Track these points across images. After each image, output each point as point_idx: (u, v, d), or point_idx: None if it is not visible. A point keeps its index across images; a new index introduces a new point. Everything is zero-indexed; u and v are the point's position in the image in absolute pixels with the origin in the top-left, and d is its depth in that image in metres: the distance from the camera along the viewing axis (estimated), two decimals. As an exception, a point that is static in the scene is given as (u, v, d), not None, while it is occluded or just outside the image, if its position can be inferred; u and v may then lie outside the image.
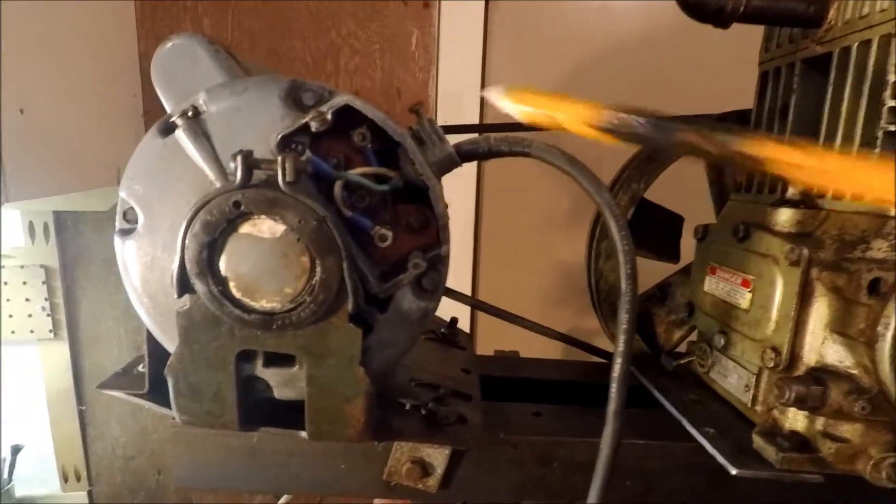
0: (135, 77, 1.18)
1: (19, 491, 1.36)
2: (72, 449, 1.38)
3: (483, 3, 1.17)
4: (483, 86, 1.20)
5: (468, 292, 1.27)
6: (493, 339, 0.94)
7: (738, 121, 0.70)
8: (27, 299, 1.27)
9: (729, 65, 0.94)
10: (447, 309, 0.74)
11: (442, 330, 0.67)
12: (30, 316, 1.28)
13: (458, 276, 1.28)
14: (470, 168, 1.22)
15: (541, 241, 1.30)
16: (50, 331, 1.29)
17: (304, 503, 1.42)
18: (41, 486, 1.40)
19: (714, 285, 0.60)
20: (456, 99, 1.19)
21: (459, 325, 0.72)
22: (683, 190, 0.78)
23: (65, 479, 1.39)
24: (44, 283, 1.27)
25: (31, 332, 1.29)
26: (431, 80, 1.19)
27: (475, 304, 0.80)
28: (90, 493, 1.42)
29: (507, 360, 0.76)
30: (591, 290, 0.77)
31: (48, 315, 1.28)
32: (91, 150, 1.02)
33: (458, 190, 1.21)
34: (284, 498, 0.73)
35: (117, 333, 1.33)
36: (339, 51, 1.18)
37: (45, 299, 1.27)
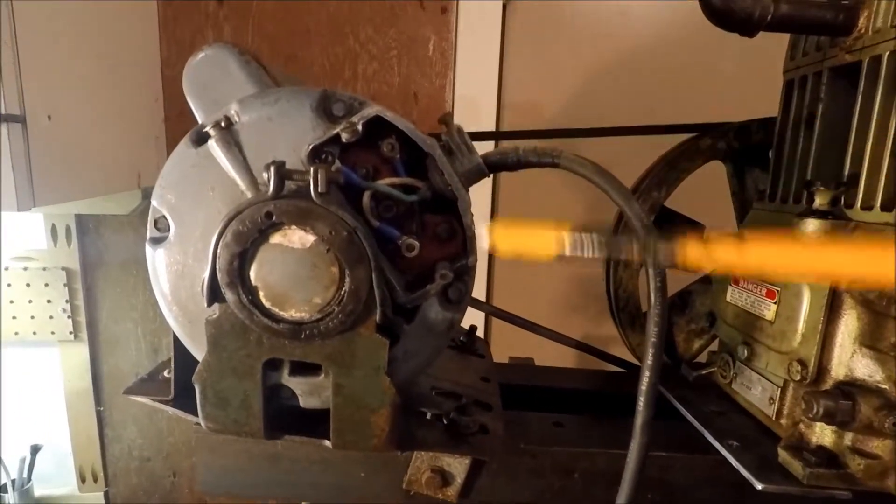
0: (156, 83, 1.20)
1: (38, 490, 1.38)
2: (89, 450, 1.39)
3: (500, 7, 1.17)
4: (500, 91, 1.20)
5: (483, 299, 1.27)
6: (507, 345, 0.94)
7: (760, 129, 0.69)
8: (49, 301, 1.29)
9: (750, 70, 0.93)
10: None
11: (461, 338, 0.67)
12: (51, 317, 1.30)
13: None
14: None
15: (556, 247, 1.29)
16: (70, 332, 1.31)
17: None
18: (59, 486, 1.42)
19: (737, 296, 0.59)
20: (473, 104, 1.19)
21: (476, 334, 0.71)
22: (704, 198, 0.77)
23: (82, 479, 1.41)
24: (65, 285, 1.28)
25: (52, 333, 1.31)
26: (448, 85, 1.19)
27: (490, 310, 0.79)
28: (106, 494, 1.43)
29: (525, 369, 0.76)
30: (610, 298, 0.76)
31: (69, 317, 1.30)
32: (113, 155, 1.04)
33: (473, 195, 1.21)
34: (303, 504, 0.73)
35: (136, 336, 1.35)
36: (357, 56, 1.19)
37: (66, 301, 1.29)
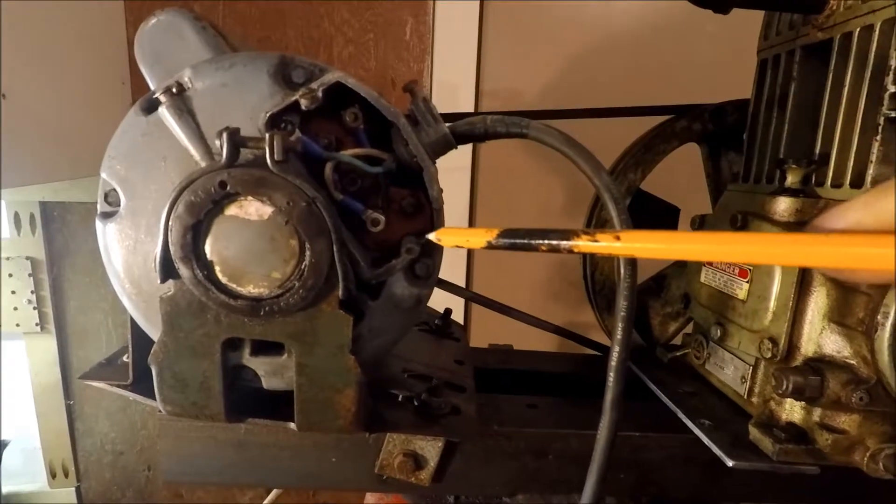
0: (123, 65, 1.15)
1: (6, 487, 1.34)
2: (59, 444, 1.35)
3: (479, -8, 1.15)
4: (479, 75, 1.18)
5: (462, 284, 1.26)
6: (487, 332, 0.93)
7: (735, 111, 0.69)
8: (13, 292, 1.24)
9: (727, 53, 0.94)
10: (441, 301, 0.73)
11: (436, 321, 0.66)
12: (16, 309, 1.25)
13: (453, 268, 1.27)
14: (465, 160, 1.21)
15: (535, 234, 1.28)
16: (36, 324, 1.27)
17: (296, 499, 1.41)
18: (29, 482, 1.38)
19: (711, 276, 0.59)
20: (451, 89, 1.18)
21: (453, 318, 0.70)
22: (680, 181, 0.77)
23: (52, 474, 1.37)
24: (30, 275, 1.24)
25: (17, 325, 1.26)
26: (426, 69, 1.17)
27: (469, 296, 0.79)
28: (78, 490, 1.40)
29: (502, 352, 0.76)
30: (586, 281, 0.76)
31: (34, 308, 1.26)
32: (78, 138, 1.00)
33: (452, 181, 1.20)
34: (273, 494, 0.71)
35: (106, 327, 1.31)
36: (333, 40, 1.16)
37: (32, 292, 1.25)
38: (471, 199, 1.26)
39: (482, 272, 1.31)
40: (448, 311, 0.67)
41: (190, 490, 1.41)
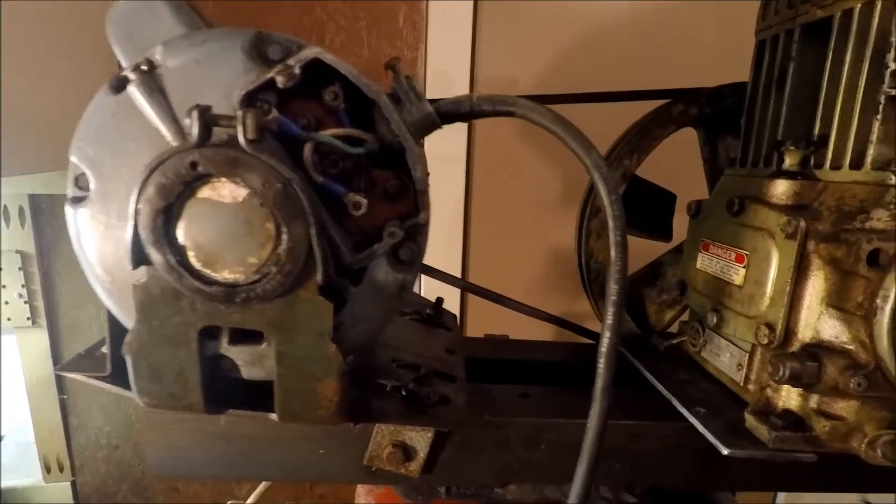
0: (113, 56, 1.13)
1: (1, 481, 1.33)
2: (54, 439, 1.35)
3: (472, -22, 1.13)
4: (473, 63, 1.16)
5: (458, 274, 1.25)
6: (483, 322, 0.92)
7: (732, 94, 0.67)
8: (3, 286, 1.23)
9: (727, 39, 0.92)
10: (437, 291, 0.72)
11: (427, 310, 0.65)
12: (6, 303, 1.24)
13: (449, 258, 1.25)
14: (460, 150, 1.19)
15: (532, 223, 1.27)
16: (28, 318, 1.26)
17: (292, 491, 1.41)
18: (24, 477, 1.38)
19: (707, 262, 0.58)
20: (445, 78, 1.16)
21: (449, 308, 0.69)
22: (676, 166, 0.76)
23: (47, 469, 1.37)
24: (20, 269, 1.23)
25: (8, 319, 1.25)
26: (420, 57, 1.15)
27: (465, 286, 0.77)
28: (74, 484, 1.39)
29: (495, 342, 0.74)
30: (581, 269, 0.75)
31: (25, 302, 1.24)
32: (67, 130, 0.98)
33: (447, 172, 1.18)
34: (262, 486, 0.70)
35: (98, 320, 1.29)
36: (325, 27, 1.14)
37: (22, 286, 1.24)
38: (466, 190, 1.24)
39: (478, 262, 1.30)
40: (440, 301, 0.66)
41: (186, 483, 1.40)
